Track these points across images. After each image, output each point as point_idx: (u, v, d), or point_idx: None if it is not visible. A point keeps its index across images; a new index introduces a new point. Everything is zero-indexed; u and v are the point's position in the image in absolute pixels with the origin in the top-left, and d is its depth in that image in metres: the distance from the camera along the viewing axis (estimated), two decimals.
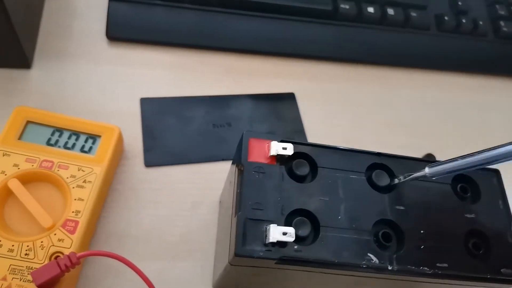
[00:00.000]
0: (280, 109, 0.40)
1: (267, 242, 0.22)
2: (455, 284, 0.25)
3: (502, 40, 0.48)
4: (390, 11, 0.45)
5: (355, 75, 0.44)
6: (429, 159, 0.39)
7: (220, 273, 0.27)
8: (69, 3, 0.41)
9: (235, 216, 0.23)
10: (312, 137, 0.40)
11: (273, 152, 0.25)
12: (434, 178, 0.24)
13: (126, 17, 0.40)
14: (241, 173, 0.24)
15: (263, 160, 0.25)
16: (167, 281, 0.31)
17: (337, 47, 0.44)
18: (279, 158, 0.25)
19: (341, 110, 0.42)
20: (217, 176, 0.35)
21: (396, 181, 0.26)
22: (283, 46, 0.43)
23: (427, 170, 0.24)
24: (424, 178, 0.24)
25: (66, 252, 0.27)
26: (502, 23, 0.48)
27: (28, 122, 0.31)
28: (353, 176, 0.26)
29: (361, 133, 0.41)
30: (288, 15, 0.43)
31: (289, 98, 0.41)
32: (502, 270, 0.25)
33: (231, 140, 0.38)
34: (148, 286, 0.27)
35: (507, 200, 0.27)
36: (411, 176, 0.25)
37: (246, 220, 0.23)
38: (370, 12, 0.45)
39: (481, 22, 0.48)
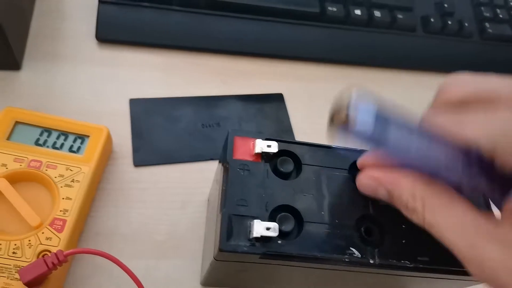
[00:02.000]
0: (268, 109, 0.41)
1: (251, 237, 0.23)
2: (437, 278, 0.26)
3: (487, 41, 0.49)
4: (377, 13, 0.46)
5: (343, 76, 0.45)
6: None
7: (206, 270, 0.27)
8: (58, 5, 0.41)
9: (220, 212, 0.24)
10: (300, 136, 0.40)
11: (257, 149, 0.25)
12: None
13: (115, 19, 0.40)
14: (226, 170, 0.25)
15: (248, 157, 0.25)
16: (155, 279, 0.31)
17: (325, 49, 0.45)
18: (264, 156, 0.25)
19: (329, 110, 0.42)
20: (205, 175, 0.35)
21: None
22: (271, 48, 0.43)
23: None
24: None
25: (54, 250, 0.27)
26: (487, 24, 0.49)
27: (17, 122, 0.31)
28: (337, 173, 0.26)
29: None
30: (276, 17, 0.44)
31: (278, 98, 0.42)
32: None
33: (220, 140, 0.38)
34: (135, 283, 0.27)
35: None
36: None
37: (231, 216, 0.23)
38: (357, 14, 0.45)
39: (466, 24, 0.48)
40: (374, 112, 0.21)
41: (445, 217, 0.21)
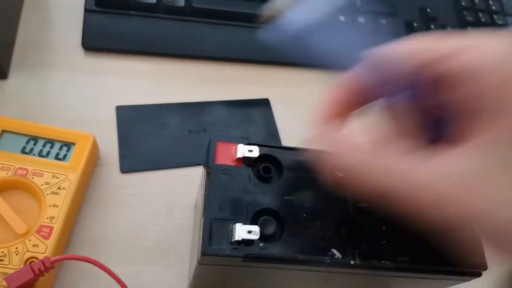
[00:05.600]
0: (255, 115, 0.41)
1: (233, 241, 0.23)
2: (418, 278, 0.26)
3: None
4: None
5: (329, 81, 0.45)
6: None
7: (192, 275, 0.28)
8: (45, 14, 0.42)
9: (202, 217, 0.24)
10: (287, 141, 0.41)
11: (239, 154, 0.26)
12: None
13: (101, 28, 0.40)
14: (208, 175, 0.25)
15: (230, 162, 0.26)
16: (143, 284, 0.32)
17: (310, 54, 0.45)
18: (246, 160, 0.26)
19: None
20: (193, 180, 0.36)
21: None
22: (257, 54, 0.44)
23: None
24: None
25: (41, 257, 0.27)
26: (470, 28, 0.50)
27: (3, 131, 0.32)
28: (318, 176, 0.27)
29: None
30: (260, 23, 0.44)
31: (264, 103, 0.42)
32: (462, 262, 0.26)
33: (207, 146, 0.38)
34: None
35: None
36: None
37: (213, 220, 0.24)
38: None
39: (449, 28, 0.49)
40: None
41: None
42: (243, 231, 0.23)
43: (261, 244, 0.24)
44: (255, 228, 0.23)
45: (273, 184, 0.26)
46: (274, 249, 0.24)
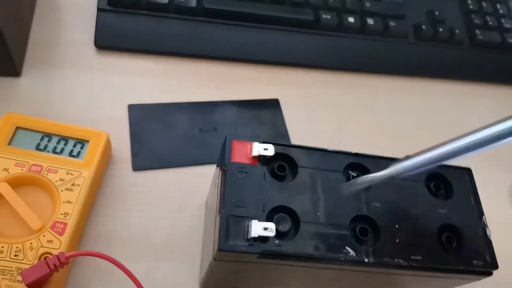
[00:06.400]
0: (264, 115, 0.42)
1: (249, 237, 0.23)
2: (429, 277, 0.27)
3: (477, 47, 0.50)
4: (370, 21, 0.47)
5: (337, 82, 0.46)
6: None
7: (205, 271, 0.28)
8: (58, 13, 0.42)
9: (218, 214, 0.24)
10: (296, 141, 0.41)
11: (255, 153, 0.26)
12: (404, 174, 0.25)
13: (113, 27, 0.41)
14: (224, 173, 0.25)
15: (245, 160, 0.26)
16: (154, 281, 0.32)
17: (319, 55, 0.46)
18: (261, 159, 0.26)
19: (324, 115, 0.43)
20: (203, 179, 0.36)
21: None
22: (267, 54, 0.44)
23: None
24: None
25: (55, 253, 0.28)
26: (477, 31, 0.51)
27: (18, 128, 0.32)
28: (332, 175, 0.27)
29: (344, 137, 0.43)
30: (272, 24, 0.45)
31: (274, 104, 0.43)
32: (473, 262, 0.26)
33: (216, 145, 0.39)
34: (136, 285, 0.27)
35: (478, 196, 0.29)
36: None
37: (229, 217, 0.24)
38: (351, 22, 0.46)
39: (457, 31, 0.50)
40: None
41: None
42: (259, 228, 0.23)
43: (277, 241, 0.24)
44: (271, 225, 0.23)
45: (287, 182, 0.26)
46: (289, 246, 0.24)
